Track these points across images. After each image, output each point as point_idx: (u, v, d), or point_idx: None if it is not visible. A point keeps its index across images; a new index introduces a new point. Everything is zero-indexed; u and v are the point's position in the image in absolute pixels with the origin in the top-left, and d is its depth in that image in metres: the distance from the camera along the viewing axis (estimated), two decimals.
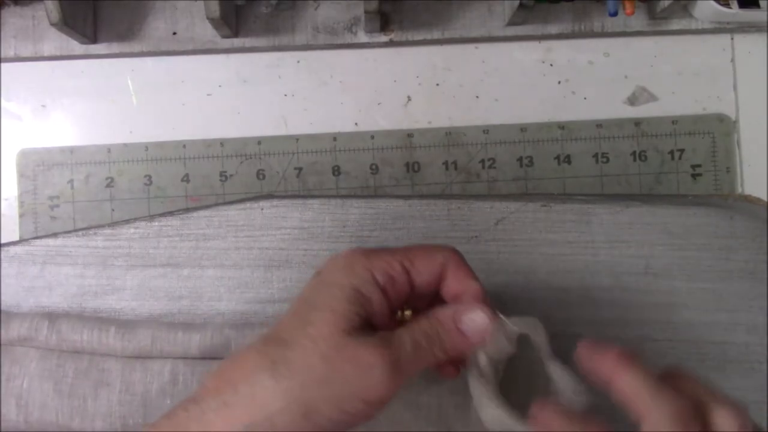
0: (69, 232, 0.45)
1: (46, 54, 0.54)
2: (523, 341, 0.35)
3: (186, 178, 0.55)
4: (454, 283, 0.35)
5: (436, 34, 0.55)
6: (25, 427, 0.41)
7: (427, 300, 0.36)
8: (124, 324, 0.42)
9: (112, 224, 0.45)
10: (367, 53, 0.56)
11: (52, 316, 0.42)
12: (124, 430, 0.40)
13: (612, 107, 0.57)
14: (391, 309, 0.35)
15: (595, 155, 0.56)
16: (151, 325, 0.42)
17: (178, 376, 0.41)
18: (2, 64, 0.55)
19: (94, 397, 0.41)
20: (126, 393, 0.41)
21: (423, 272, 0.35)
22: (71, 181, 0.55)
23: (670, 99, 0.57)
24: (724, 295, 0.44)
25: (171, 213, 0.45)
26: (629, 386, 0.31)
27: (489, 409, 0.33)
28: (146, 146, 0.55)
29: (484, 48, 0.56)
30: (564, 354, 0.35)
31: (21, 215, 0.55)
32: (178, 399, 0.39)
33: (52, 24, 0.49)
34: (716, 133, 0.56)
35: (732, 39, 0.57)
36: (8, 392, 0.41)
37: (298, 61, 0.56)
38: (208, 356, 0.41)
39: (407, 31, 0.55)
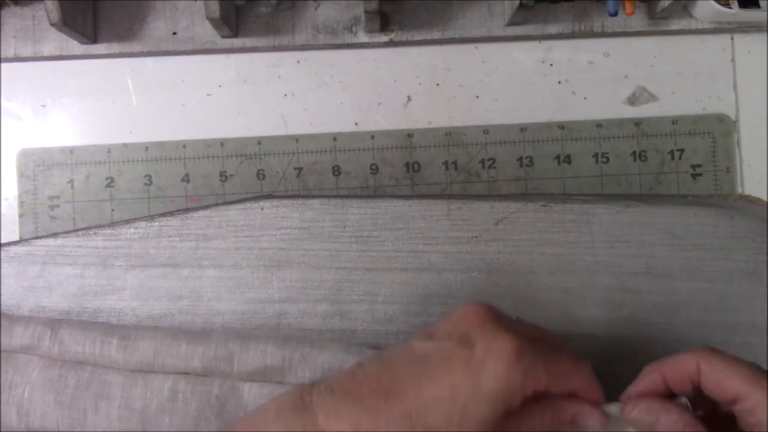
0: (69, 232, 0.45)
1: (46, 54, 0.54)
2: None
3: (186, 178, 0.55)
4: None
5: (436, 34, 0.55)
6: None
7: None
8: (127, 335, 0.41)
9: (112, 224, 0.45)
10: (367, 53, 0.56)
11: (54, 325, 0.42)
12: None
13: (612, 107, 0.57)
14: None
15: (595, 155, 0.56)
16: (154, 335, 0.41)
17: (178, 394, 0.40)
18: (2, 64, 0.55)
19: (95, 410, 0.40)
20: (125, 408, 0.40)
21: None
22: (71, 181, 0.55)
23: (670, 99, 0.57)
24: (724, 295, 0.44)
25: (171, 213, 0.45)
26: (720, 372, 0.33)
27: None
28: (146, 146, 0.55)
29: (484, 48, 0.56)
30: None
31: (21, 215, 0.55)
32: (177, 417, 0.40)
33: (52, 24, 0.49)
34: (716, 133, 0.56)
35: (732, 39, 0.57)
36: (10, 401, 0.40)
37: (298, 61, 0.56)
38: (210, 372, 0.41)
39: (407, 31, 0.55)
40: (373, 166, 0.56)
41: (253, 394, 0.40)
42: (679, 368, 0.35)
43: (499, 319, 0.34)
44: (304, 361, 0.40)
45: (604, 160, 0.56)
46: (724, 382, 0.33)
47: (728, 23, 0.55)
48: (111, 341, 0.41)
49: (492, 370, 0.32)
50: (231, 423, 0.39)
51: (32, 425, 0.40)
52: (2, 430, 0.40)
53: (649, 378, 0.35)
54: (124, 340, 0.41)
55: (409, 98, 0.56)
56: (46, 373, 0.41)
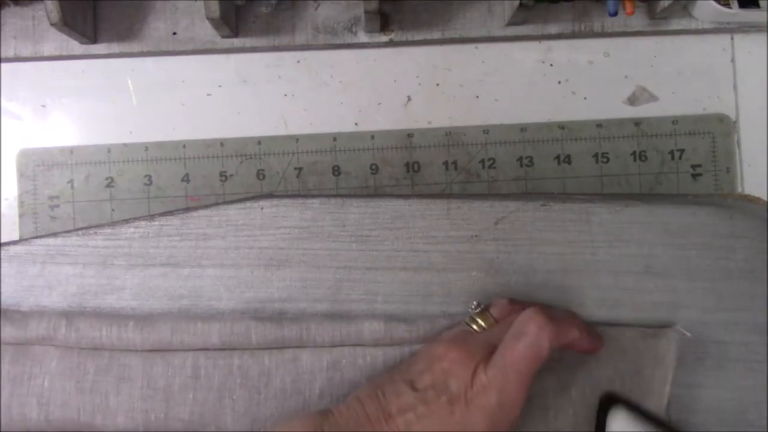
0: (69, 231, 0.45)
1: (46, 54, 0.54)
2: None
3: (186, 178, 0.55)
4: None
5: (436, 34, 0.55)
6: (46, 426, 0.41)
7: None
8: (143, 318, 0.42)
9: (112, 223, 0.45)
10: (367, 53, 0.56)
11: (69, 315, 0.42)
12: (146, 424, 0.41)
13: (612, 107, 0.57)
14: None
15: (595, 155, 0.56)
16: (169, 318, 0.42)
17: (200, 369, 0.41)
18: (2, 64, 0.55)
19: (117, 392, 0.41)
20: (148, 388, 0.41)
21: None
22: (71, 181, 0.55)
23: (670, 99, 0.57)
24: (724, 294, 0.43)
25: (171, 212, 0.45)
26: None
27: None
28: (146, 146, 0.55)
29: (484, 48, 0.56)
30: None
31: (21, 215, 0.55)
32: (201, 392, 0.41)
33: (52, 24, 0.49)
34: (716, 133, 0.56)
35: (732, 39, 0.57)
36: (30, 392, 0.41)
37: (298, 61, 0.56)
38: (229, 346, 0.42)
39: (407, 31, 0.55)
40: (373, 166, 0.56)
41: (274, 359, 0.41)
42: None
43: (472, 356, 0.38)
44: (321, 328, 0.42)
45: (604, 160, 0.56)
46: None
47: (728, 23, 0.55)
48: (127, 324, 0.42)
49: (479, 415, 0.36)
50: None
51: (52, 415, 0.41)
52: (21, 423, 0.41)
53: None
54: (140, 321, 0.42)
55: (409, 98, 0.56)
56: (64, 362, 0.41)
